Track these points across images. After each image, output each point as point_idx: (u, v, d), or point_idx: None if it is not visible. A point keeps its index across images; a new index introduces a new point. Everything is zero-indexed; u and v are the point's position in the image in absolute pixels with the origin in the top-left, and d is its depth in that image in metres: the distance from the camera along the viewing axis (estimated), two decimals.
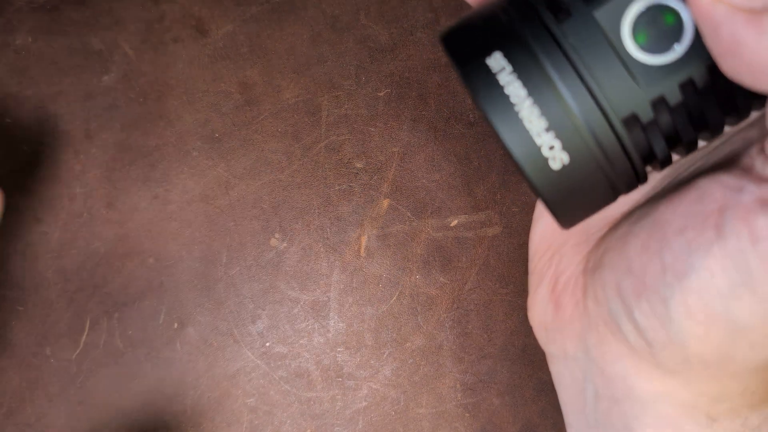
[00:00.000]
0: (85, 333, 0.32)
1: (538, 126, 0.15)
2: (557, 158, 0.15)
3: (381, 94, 0.34)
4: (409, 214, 0.33)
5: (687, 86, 0.15)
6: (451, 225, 0.33)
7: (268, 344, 0.32)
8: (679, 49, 0.14)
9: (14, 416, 0.31)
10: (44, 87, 0.33)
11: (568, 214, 0.16)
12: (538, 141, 0.15)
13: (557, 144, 0.15)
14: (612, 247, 0.18)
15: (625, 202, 0.20)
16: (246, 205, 0.33)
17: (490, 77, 0.15)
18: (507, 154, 0.15)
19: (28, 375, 0.32)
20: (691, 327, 0.15)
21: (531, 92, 0.15)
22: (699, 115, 0.15)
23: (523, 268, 0.33)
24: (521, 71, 0.15)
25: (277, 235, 0.33)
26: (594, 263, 0.19)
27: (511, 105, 0.15)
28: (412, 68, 0.34)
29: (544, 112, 0.15)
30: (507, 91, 0.15)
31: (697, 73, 0.14)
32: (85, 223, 0.33)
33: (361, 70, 0.34)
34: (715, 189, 0.15)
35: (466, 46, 0.16)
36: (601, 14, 0.14)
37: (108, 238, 0.33)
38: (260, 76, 0.34)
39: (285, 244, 0.33)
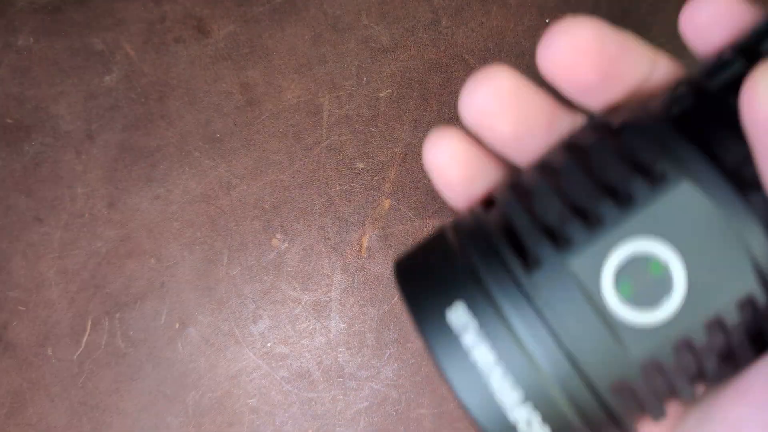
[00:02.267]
0: (87, 333, 0.32)
1: (511, 398, 0.12)
2: None
3: (382, 94, 0.34)
4: (410, 214, 0.33)
5: (682, 347, 0.13)
6: None
7: (269, 344, 0.32)
8: (670, 305, 0.12)
9: (16, 416, 0.31)
10: (46, 87, 0.33)
11: None
12: (512, 417, 0.13)
13: (535, 418, 0.13)
14: None
15: None
16: (247, 205, 0.33)
17: (452, 339, 0.13)
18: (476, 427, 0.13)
19: (30, 375, 0.32)
20: None
21: (501, 358, 0.12)
22: (698, 372, 0.13)
23: None
24: (488, 333, 0.13)
25: (278, 236, 0.33)
26: None
27: (478, 374, 0.13)
28: (414, 68, 0.34)
29: (518, 381, 0.12)
30: (473, 356, 0.13)
31: (693, 330, 0.12)
32: (86, 223, 0.33)
33: (363, 70, 0.34)
34: None
35: (423, 291, 0.14)
36: (577, 265, 0.12)
37: (109, 239, 0.33)
38: (261, 77, 0.34)
39: (286, 245, 0.33)
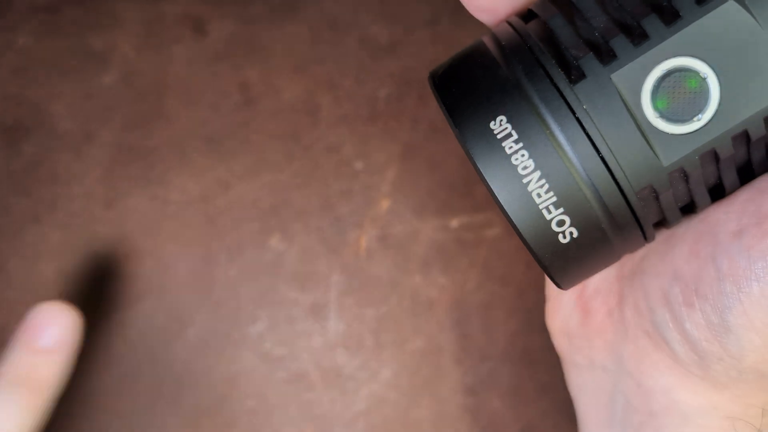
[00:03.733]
0: (86, 334, 0.32)
1: (546, 201, 0.14)
2: (566, 233, 0.14)
3: (381, 94, 0.34)
4: (409, 214, 0.33)
5: (708, 158, 0.14)
6: (452, 226, 0.33)
7: (267, 345, 0.32)
8: (702, 117, 0.13)
9: None
10: (44, 87, 0.33)
11: (570, 280, 0.16)
12: (547, 216, 0.14)
13: (567, 219, 0.14)
14: (654, 251, 0.17)
15: None
16: (245, 205, 0.33)
17: (495, 143, 0.14)
18: (511, 225, 0.14)
19: None
20: (750, 338, 0.14)
21: (539, 164, 0.13)
22: (717, 186, 0.15)
23: (523, 269, 0.33)
24: (528, 140, 0.14)
25: (276, 236, 0.33)
26: (631, 268, 0.18)
27: (518, 176, 0.14)
28: (413, 68, 0.34)
29: (554, 186, 0.14)
30: (514, 160, 0.14)
31: (720, 144, 0.13)
32: (84, 223, 0.33)
33: (361, 69, 0.34)
34: None
35: (465, 102, 0.15)
36: (619, 77, 0.13)
37: (107, 239, 0.33)
38: (259, 76, 0.34)
39: (284, 245, 0.33)
